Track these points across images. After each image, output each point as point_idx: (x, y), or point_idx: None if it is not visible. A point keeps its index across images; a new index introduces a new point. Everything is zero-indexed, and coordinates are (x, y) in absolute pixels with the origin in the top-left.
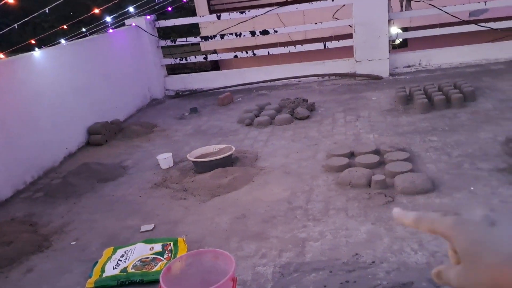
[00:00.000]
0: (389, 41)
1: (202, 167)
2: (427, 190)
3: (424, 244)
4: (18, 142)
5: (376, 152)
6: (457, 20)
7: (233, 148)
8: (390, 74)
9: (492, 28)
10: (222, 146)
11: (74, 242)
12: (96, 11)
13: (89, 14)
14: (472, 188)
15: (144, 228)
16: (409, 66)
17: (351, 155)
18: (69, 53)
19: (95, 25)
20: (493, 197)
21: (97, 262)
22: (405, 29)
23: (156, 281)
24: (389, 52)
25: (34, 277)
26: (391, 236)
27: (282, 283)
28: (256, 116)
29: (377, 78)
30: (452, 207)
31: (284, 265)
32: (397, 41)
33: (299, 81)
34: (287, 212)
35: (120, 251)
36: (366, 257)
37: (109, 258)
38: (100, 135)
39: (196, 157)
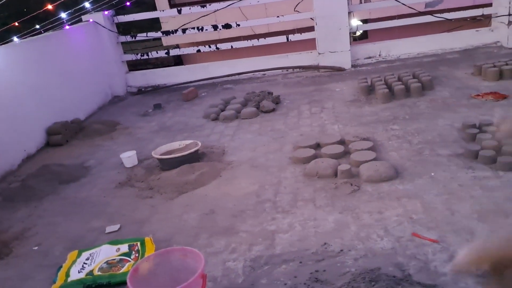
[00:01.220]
0: (350, 33)
1: (168, 164)
2: (390, 177)
3: (390, 230)
4: None
5: (341, 142)
6: (414, 11)
7: (199, 144)
8: (352, 66)
9: (446, 19)
10: (188, 142)
11: (36, 247)
12: (50, 7)
13: (42, 10)
14: (432, 174)
15: (109, 229)
16: (369, 57)
17: (317, 146)
18: (23, 51)
19: (50, 22)
20: (452, 182)
21: (61, 266)
22: (365, 21)
23: (124, 283)
24: (350, 44)
25: None
26: (358, 224)
27: (252, 276)
28: (222, 111)
29: (340, 69)
30: (414, 193)
31: (254, 259)
32: (358, 33)
33: (264, 75)
34: (256, 206)
35: (85, 254)
36: (334, 246)
37: (74, 261)
38: (60, 135)
39: (161, 154)
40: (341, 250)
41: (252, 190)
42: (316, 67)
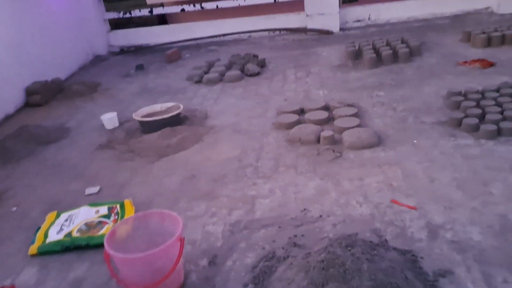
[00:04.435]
0: None
1: (149, 127)
2: (373, 144)
3: (369, 197)
4: None
5: (326, 108)
6: None
7: (181, 107)
8: (341, 29)
9: None
10: (170, 104)
11: (15, 209)
12: None
13: None
14: (415, 141)
15: (88, 191)
16: (358, 21)
17: (301, 111)
18: None
19: None
20: (434, 150)
21: (39, 227)
22: None
23: (102, 245)
24: (339, 7)
25: None
26: (338, 191)
27: (232, 240)
28: (205, 73)
29: (328, 33)
30: (395, 160)
31: (234, 223)
32: None
33: (249, 37)
34: (237, 171)
35: (64, 216)
36: (314, 212)
37: (52, 223)
38: (39, 95)
39: (142, 117)
40: (320, 216)
41: (234, 155)
42: (304, 30)
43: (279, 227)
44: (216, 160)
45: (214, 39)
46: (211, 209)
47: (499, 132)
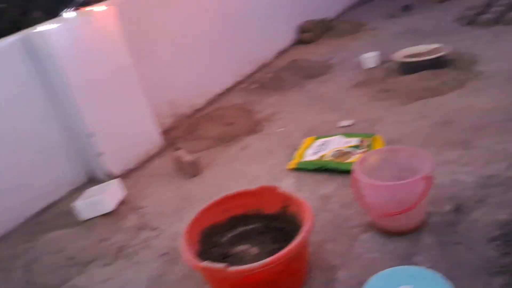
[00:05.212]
0: None
1: (410, 68)
2: None
3: None
4: (239, 39)
5: None
6: None
7: (447, 48)
8: None
9: None
10: (435, 46)
11: (283, 129)
12: None
13: None
14: None
15: (343, 123)
16: None
17: None
18: None
19: None
20: None
21: (299, 147)
22: None
23: (349, 172)
24: None
25: (248, 152)
26: None
27: (483, 192)
28: (481, 14)
29: None
30: None
31: (488, 176)
32: None
33: None
34: (501, 123)
35: (321, 140)
36: None
37: (310, 145)
38: (311, 33)
39: (404, 57)
40: None
41: (499, 105)
42: None
43: None
44: (478, 108)
45: None
46: (464, 158)
47: None
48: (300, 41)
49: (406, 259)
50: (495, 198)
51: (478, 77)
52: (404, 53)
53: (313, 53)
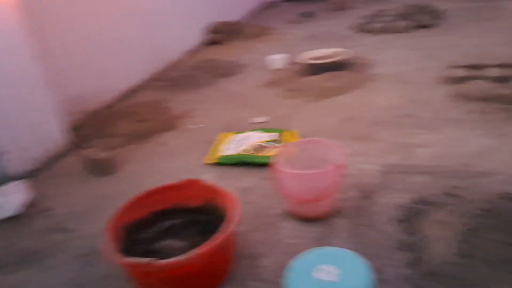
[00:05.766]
0: None
1: (314, 69)
2: None
3: None
4: (148, 35)
5: (505, 66)
6: None
7: (347, 52)
8: None
9: None
10: (335, 50)
11: (201, 125)
12: None
13: None
14: None
15: (258, 120)
16: None
17: (476, 67)
18: None
19: None
20: None
21: (214, 143)
22: None
23: (268, 164)
24: None
25: (166, 149)
26: (510, 151)
27: (385, 180)
28: (373, 22)
29: None
30: None
31: (389, 165)
32: None
33: None
34: (396, 118)
35: (240, 136)
36: (478, 168)
37: (227, 141)
38: (220, 34)
39: (308, 59)
40: (486, 172)
41: (394, 103)
42: None
43: (436, 176)
44: (375, 106)
45: None
46: (367, 150)
47: None
48: (209, 42)
49: (324, 242)
50: (394, 185)
51: (373, 78)
52: (308, 55)
53: (223, 53)
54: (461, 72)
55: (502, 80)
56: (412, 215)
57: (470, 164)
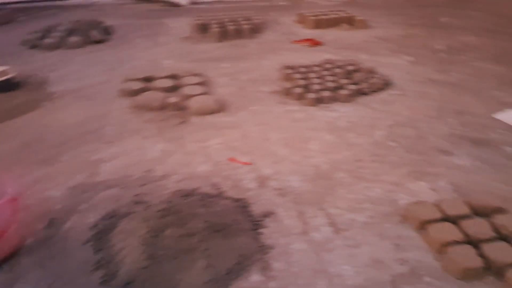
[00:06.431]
0: None
1: None
2: (216, 110)
3: (211, 156)
4: None
5: (173, 77)
6: None
7: (13, 71)
8: (191, 3)
9: None
10: (1, 68)
11: None
12: None
13: None
14: (253, 108)
15: None
16: None
17: (148, 79)
18: None
19: None
20: (269, 114)
21: None
22: None
23: None
24: None
25: None
26: (182, 152)
27: (71, 203)
28: (44, 38)
29: (176, 5)
30: (236, 124)
31: (74, 187)
32: None
33: (93, 3)
34: (80, 136)
35: None
36: (158, 172)
37: None
38: None
39: None
40: (164, 175)
41: (76, 121)
42: (152, 1)
43: (123, 187)
44: (57, 126)
45: (54, 3)
46: (50, 174)
47: (319, 100)
48: None
49: None
50: (83, 205)
51: (51, 97)
52: None
53: None
54: (137, 85)
55: (171, 89)
56: (102, 232)
57: (152, 169)
